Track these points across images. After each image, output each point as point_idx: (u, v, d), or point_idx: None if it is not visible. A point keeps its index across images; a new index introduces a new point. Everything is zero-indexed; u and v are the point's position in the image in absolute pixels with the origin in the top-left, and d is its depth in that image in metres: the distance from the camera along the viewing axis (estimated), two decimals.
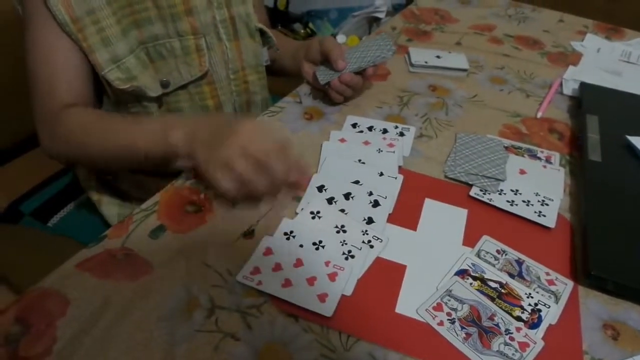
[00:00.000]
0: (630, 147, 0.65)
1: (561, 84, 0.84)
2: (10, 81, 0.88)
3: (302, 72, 0.77)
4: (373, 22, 1.45)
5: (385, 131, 0.68)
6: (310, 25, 1.48)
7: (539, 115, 0.75)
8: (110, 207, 0.83)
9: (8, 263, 0.90)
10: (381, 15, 1.42)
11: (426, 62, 0.85)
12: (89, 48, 0.61)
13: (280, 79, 0.93)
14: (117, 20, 0.62)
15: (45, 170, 1.03)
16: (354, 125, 0.69)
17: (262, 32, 0.77)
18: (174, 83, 0.69)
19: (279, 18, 1.49)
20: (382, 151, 0.63)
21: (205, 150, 0.51)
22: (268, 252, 0.49)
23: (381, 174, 0.60)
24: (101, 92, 0.72)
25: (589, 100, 0.76)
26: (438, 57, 0.87)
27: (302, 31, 1.50)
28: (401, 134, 0.67)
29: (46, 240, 0.93)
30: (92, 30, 0.61)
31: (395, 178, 0.59)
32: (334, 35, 1.42)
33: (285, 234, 0.52)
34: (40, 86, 0.63)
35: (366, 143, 0.65)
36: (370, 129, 0.68)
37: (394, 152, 0.63)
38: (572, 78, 0.85)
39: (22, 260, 0.90)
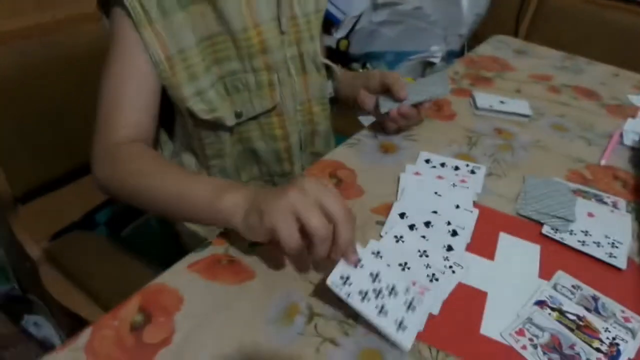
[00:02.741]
0: None
1: (621, 135, 0.87)
2: (88, 102, 0.97)
3: (358, 99, 0.79)
4: (427, 66, 1.52)
5: (457, 168, 0.72)
6: (368, 65, 1.56)
7: (603, 162, 0.78)
8: (182, 225, 0.89)
9: (82, 268, 0.96)
10: (436, 61, 1.49)
11: (491, 106, 0.90)
12: (177, 84, 0.67)
13: (341, 118, 0.99)
14: (202, 58, 0.68)
15: None
16: (427, 161, 0.74)
17: (326, 67, 0.84)
18: (246, 114, 0.75)
19: (339, 58, 1.58)
20: (456, 186, 0.68)
21: (265, 205, 0.47)
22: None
23: (457, 207, 0.64)
24: (171, 128, 0.79)
25: None
26: (502, 102, 0.92)
27: (360, 70, 1.59)
28: (472, 172, 0.72)
29: (116, 250, 1.00)
30: (181, 67, 0.66)
31: (472, 211, 0.63)
32: None
33: (373, 253, 0.56)
34: (109, 118, 0.64)
35: (439, 177, 0.70)
36: (442, 165, 0.73)
37: (468, 187, 0.67)
38: (632, 130, 0.88)
39: (94, 267, 0.96)
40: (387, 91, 0.75)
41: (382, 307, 0.47)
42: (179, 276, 0.51)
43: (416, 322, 0.47)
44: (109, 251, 1.00)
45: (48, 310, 1.17)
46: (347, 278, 0.47)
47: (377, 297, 0.47)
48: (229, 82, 0.72)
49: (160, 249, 0.99)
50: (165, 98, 0.70)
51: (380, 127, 0.80)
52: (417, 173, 0.70)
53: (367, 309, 0.46)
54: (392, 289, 0.48)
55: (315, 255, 0.47)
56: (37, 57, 0.91)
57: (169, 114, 0.75)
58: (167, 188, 0.57)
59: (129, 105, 0.65)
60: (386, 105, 0.75)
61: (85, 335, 0.45)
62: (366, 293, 0.47)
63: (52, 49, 0.92)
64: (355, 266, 0.48)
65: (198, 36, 0.67)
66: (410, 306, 0.48)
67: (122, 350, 0.44)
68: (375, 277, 0.49)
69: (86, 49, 0.93)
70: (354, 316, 0.49)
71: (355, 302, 0.46)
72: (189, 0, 0.66)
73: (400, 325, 0.46)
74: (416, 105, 0.75)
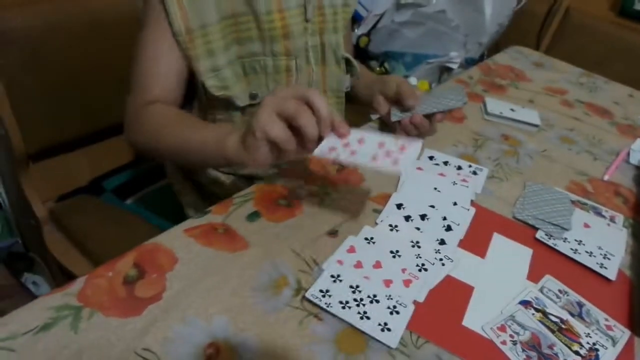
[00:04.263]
0: None
1: (628, 154, 0.87)
2: (111, 69, 0.99)
3: (373, 103, 0.79)
4: (445, 71, 1.52)
5: (459, 167, 0.73)
6: (386, 64, 1.57)
7: (606, 178, 0.79)
8: (188, 197, 0.91)
9: (85, 231, 0.98)
10: (454, 66, 1.49)
11: (501, 113, 0.90)
12: (195, 57, 0.68)
13: (354, 113, 1.00)
14: (222, 36, 0.69)
15: (131, 153, 1.13)
16: (431, 158, 0.74)
17: (347, 61, 0.85)
18: (261, 96, 0.76)
19: (358, 54, 1.59)
20: (456, 184, 0.68)
21: (252, 122, 0.53)
22: (352, 250, 0.55)
23: (455, 204, 0.65)
24: (191, 99, 0.80)
25: None
26: (512, 110, 0.92)
27: (377, 69, 1.60)
28: (474, 173, 0.72)
29: (121, 216, 1.02)
30: (200, 42, 0.68)
31: (468, 209, 0.64)
32: (406, 77, 1.50)
33: (366, 239, 0.57)
34: (139, 81, 0.69)
35: (441, 175, 0.71)
36: (445, 163, 0.74)
37: (467, 186, 0.68)
38: (639, 149, 0.88)
39: (98, 231, 0.98)
40: (400, 100, 0.73)
41: (365, 313, 0.48)
42: (175, 238, 0.53)
43: (401, 323, 0.48)
44: (113, 217, 1.02)
45: (48, 271, 1.20)
46: (327, 291, 0.49)
47: (358, 305, 0.49)
48: (247, 63, 0.74)
49: (164, 219, 1.01)
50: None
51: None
52: (419, 168, 0.71)
53: (348, 316, 0.47)
54: (374, 297, 0.50)
55: (307, 135, 0.50)
56: (65, 19, 0.92)
57: (189, 86, 0.77)
58: (179, 136, 0.62)
59: (159, 71, 0.69)
60: (397, 115, 0.73)
61: (79, 282, 0.47)
62: (347, 302, 0.49)
63: (80, 12, 0.94)
64: (344, 138, 0.53)
65: (222, 14, 0.69)
66: (393, 311, 0.49)
67: (113, 300, 0.46)
68: (355, 288, 0.50)
69: (113, 14, 0.95)
70: None
71: (335, 310, 0.48)
72: None
73: (385, 326, 0.47)
74: (429, 117, 0.72)
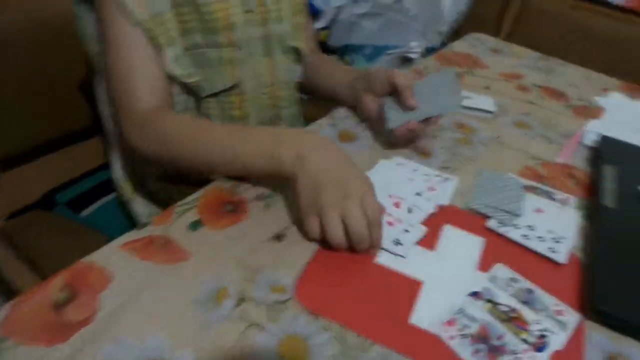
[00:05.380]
0: None
1: (583, 135, 0.87)
2: (59, 78, 0.95)
3: (362, 106, 0.76)
4: (405, 61, 1.52)
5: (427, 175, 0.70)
6: (346, 57, 1.56)
7: (559, 160, 0.78)
8: (139, 206, 0.88)
9: (38, 248, 0.95)
10: (414, 56, 1.49)
11: None
12: (160, 45, 0.66)
13: (315, 106, 0.98)
14: (175, 24, 0.68)
15: (84, 164, 1.09)
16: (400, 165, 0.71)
17: (298, 51, 0.83)
18: (207, 90, 0.74)
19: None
20: (420, 195, 0.66)
21: (313, 186, 0.54)
22: None
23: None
24: None
25: (607, 151, 0.79)
26: (466, 97, 0.91)
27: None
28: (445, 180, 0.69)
29: (76, 229, 0.99)
30: (161, 30, 0.66)
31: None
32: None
33: None
34: (123, 86, 0.66)
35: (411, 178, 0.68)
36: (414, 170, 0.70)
37: (429, 199, 0.65)
38: (593, 130, 0.88)
39: (51, 246, 0.95)
40: (394, 93, 0.71)
41: None
42: (110, 255, 0.51)
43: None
44: (67, 232, 0.99)
45: (4, 293, 1.16)
46: None
47: None
48: (191, 56, 0.72)
49: (119, 231, 0.98)
50: None
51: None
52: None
53: None
54: None
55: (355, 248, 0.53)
56: (7, 32, 0.89)
57: None
58: (218, 151, 0.60)
59: (143, 72, 0.66)
60: (394, 120, 0.69)
61: (3, 311, 0.44)
62: None
63: (23, 22, 0.90)
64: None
65: (171, 3, 0.67)
66: None
67: (39, 327, 0.43)
68: None
69: (60, 23, 0.91)
70: (283, 301, 0.48)
71: None
72: None
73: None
74: (425, 119, 0.69)
